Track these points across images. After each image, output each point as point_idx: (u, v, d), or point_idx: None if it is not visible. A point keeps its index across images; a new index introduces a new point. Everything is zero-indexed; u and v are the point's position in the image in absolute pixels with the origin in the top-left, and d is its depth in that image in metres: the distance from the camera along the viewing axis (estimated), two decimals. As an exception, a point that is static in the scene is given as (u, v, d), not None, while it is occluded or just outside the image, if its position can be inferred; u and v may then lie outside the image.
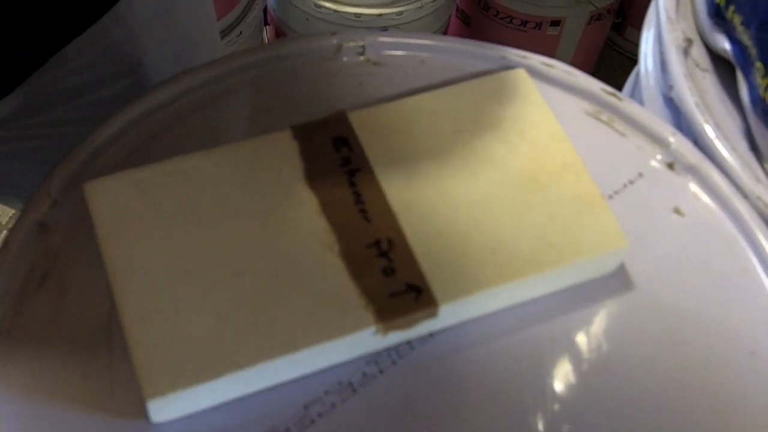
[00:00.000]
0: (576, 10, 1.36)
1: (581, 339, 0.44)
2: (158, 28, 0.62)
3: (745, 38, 0.51)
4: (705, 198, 0.49)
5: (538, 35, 1.39)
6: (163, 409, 0.39)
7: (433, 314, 0.42)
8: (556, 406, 0.42)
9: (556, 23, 1.37)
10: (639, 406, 0.43)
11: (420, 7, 1.27)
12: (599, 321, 0.45)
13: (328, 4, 1.27)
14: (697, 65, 0.54)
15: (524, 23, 1.37)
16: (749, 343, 0.45)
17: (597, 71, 1.54)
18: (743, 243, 0.48)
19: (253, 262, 0.42)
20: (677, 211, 0.49)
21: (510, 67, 0.52)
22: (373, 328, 0.41)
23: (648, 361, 0.44)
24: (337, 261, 0.42)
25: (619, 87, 0.62)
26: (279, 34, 1.39)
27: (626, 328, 0.45)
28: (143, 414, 0.40)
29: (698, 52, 0.55)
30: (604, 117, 0.51)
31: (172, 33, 0.64)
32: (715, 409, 0.43)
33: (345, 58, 0.52)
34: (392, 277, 0.42)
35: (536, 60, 0.53)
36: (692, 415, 0.43)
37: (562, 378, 0.43)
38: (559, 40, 1.40)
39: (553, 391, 0.43)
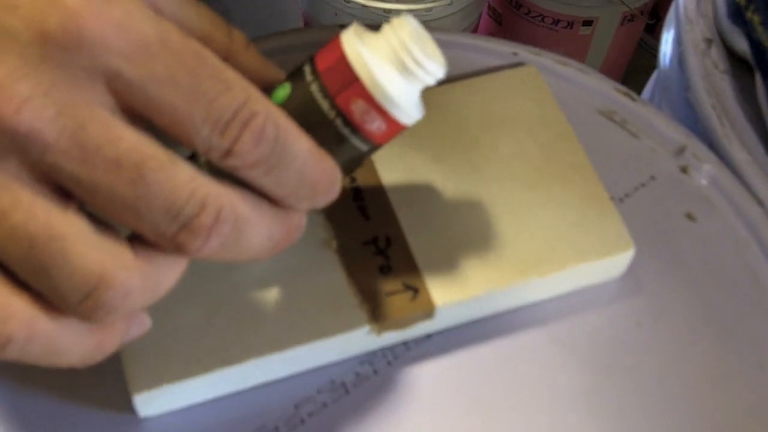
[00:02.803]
0: (608, 10, 1.34)
1: (585, 344, 0.43)
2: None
3: (764, 38, 0.49)
4: (718, 204, 0.48)
5: (569, 35, 1.37)
6: (149, 403, 0.39)
7: (429, 315, 0.41)
8: (557, 412, 0.41)
9: (588, 23, 1.36)
10: (643, 415, 0.42)
11: (450, 4, 1.26)
12: (604, 326, 0.44)
13: (357, 0, 1.26)
14: (716, 66, 0.53)
15: (556, 22, 1.36)
16: (759, 356, 0.43)
17: (628, 73, 1.52)
18: (756, 250, 0.46)
19: None
20: (689, 216, 0.47)
21: (522, 63, 0.51)
22: (366, 328, 0.40)
23: (654, 369, 0.43)
24: (333, 257, 0.42)
25: (650, 90, 0.60)
26: (308, 28, 1.38)
27: (632, 335, 0.44)
28: (131, 407, 0.39)
29: (717, 53, 0.54)
30: (617, 117, 0.50)
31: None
32: (720, 422, 0.42)
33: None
34: (389, 276, 0.41)
35: (549, 57, 0.51)
36: (698, 426, 0.41)
37: (563, 383, 0.42)
38: (591, 40, 1.38)
39: (554, 397, 0.42)
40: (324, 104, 0.32)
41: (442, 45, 0.51)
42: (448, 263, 0.42)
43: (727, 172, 0.48)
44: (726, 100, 0.52)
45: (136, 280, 0.29)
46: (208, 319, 0.40)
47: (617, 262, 0.44)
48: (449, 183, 0.44)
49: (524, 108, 0.47)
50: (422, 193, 0.44)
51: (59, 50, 0.27)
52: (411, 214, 0.43)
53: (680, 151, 0.49)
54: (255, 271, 0.41)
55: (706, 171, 0.48)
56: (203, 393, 0.40)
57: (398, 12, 1.26)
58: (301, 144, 0.30)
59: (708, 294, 0.45)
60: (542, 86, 0.48)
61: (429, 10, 1.25)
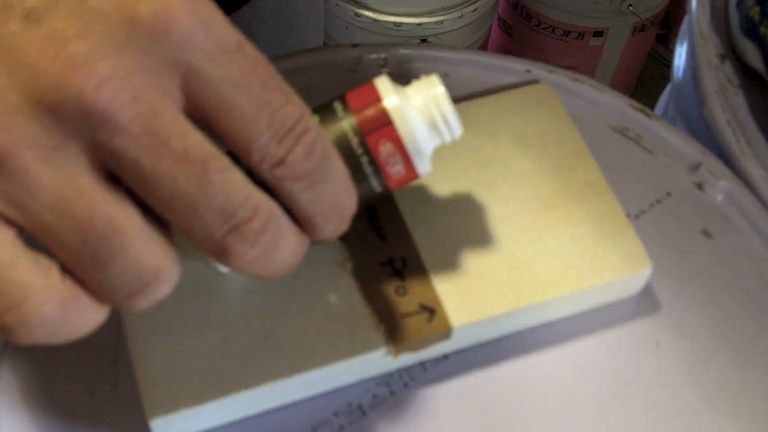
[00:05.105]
0: (619, 20, 1.34)
1: (603, 363, 0.43)
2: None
3: (779, 54, 0.49)
4: (735, 220, 0.47)
5: (580, 46, 1.37)
6: (166, 428, 0.39)
7: (446, 336, 0.41)
8: (576, 431, 0.41)
9: (599, 34, 1.36)
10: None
11: (460, 17, 1.26)
12: (622, 344, 0.44)
13: (368, 13, 1.26)
14: (730, 81, 0.53)
15: (566, 33, 1.36)
16: (778, 372, 0.43)
17: (640, 82, 1.52)
18: (774, 267, 0.46)
19: None
20: (706, 232, 0.47)
21: (536, 81, 0.51)
22: (383, 350, 0.40)
23: (673, 387, 0.42)
24: (349, 279, 0.41)
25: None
26: (319, 42, 1.38)
27: (650, 352, 0.43)
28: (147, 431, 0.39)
29: (731, 68, 0.54)
30: (631, 134, 0.50)
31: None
32: (740, 440, 0.41)
33: (366, 71, 0.51)
34: (405, 297, 0.41)
35: (563, 74, 0.51)
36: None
37: (582, 402, 0.42)
38: (602, 50, 1.38)
39: (573, 416, 0.41)
40: (354, 140, 0.34)
41: (457, 63, 0.52)
42: (464, 283, 0.42)
43: (743, 188, 0.48)
44: (741, 116, 0.52)
45: (179, 273, 0.30)
46: (224, 343, 0.39)
47: (634, 280, 0.43)
48: (464, 202, 0.44)
49: (539, 125, 0.47)
50: (437, 213, 0.43)
51: (145, 37, 0.27)
52: (426, 235, 0.43)
53: (696, 167, 0.49)
54: (270, 294, 0.41)
55: (721, 187, 0.48)
56: (219, 417, 0.40)
57: (409, 25, 1.26)
58: (339, 167, 0.31)
59: (726, 310, 0.45)
60: (556, 104, 0.48)
61: (440, 23, 1.26)
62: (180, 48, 0.28)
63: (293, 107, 0.29)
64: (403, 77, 0.51)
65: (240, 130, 0.29)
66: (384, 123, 0.35)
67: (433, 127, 0.36)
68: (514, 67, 0.51)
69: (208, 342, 0.39)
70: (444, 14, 1.26)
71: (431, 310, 0.41)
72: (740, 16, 0.53)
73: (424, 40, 1.28)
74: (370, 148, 0.35)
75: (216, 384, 0.39)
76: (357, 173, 0.35)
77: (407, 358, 0.41)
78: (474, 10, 1.27)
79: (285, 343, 0.40)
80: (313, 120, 0.30)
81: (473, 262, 0.42)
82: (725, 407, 0.42)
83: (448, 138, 0.37)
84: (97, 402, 0.41)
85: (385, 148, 0.35)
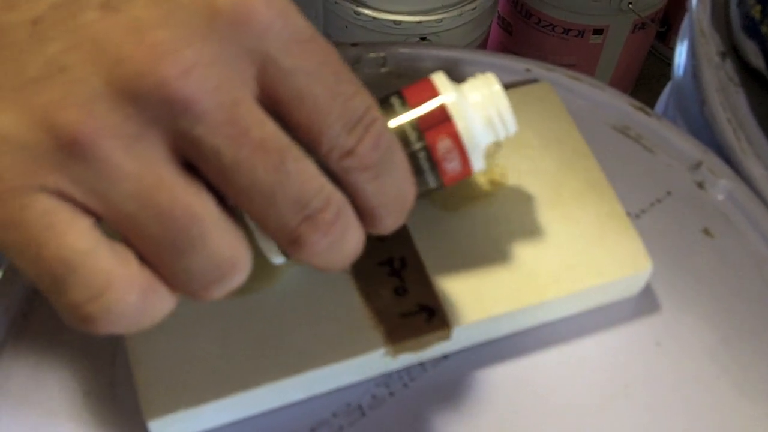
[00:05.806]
0: (619, 18, 1.33)
1: (603, 363, 0.43)
2: None
3: (780, 53, 0.49)
4: (736, 219, 0.47)
5: (580, 44, 1.37)
6: (164, 428, 0.38)
7: (445, 337, 0.41)
8: (576, 433, 0.41)
9: (599, 32, 1.35)
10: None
11: (460, 15, 1.26)
12: (623, 344, 0.43)
13: (367, 12, 1.26)
14: (731, 80, 0.52)
15: (566, 31, 1.35)
16: (779, 372, 0.43)
17: (640, 81, 1.52)
18: (775, 266, 0.46)
19: (260, 279, 0.41)
20: (707, 231, 0.47)
21: (535, 79, 0.50)
22: (382, 350, 0.40)
23: (673, 387, 0.42)
24: (348, 279, 0.41)
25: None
26: (318, 40, 1.38)
27: (651, 352, 0.43)
28: (146, 433, 0.39)
29: (732, 66, 0.53)
30: (632, 133, 0.50)
31: None
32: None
33: (365, 70, 0.51)
34: (404, 297, 0.41)
35: (563, 73, 0.51)
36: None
37: (583, 403, 0.42)
38: (602, 48, 1.38)
39: (573, 417, 0.41)
40: (412, 135, 0.35)
41: (456, 62, 0.51)
42: (463, 283, 0.41)
43: (744, 187, 0.48)
44: (741, 114, 0.51)
45: (252, 263, 0.30)
46: (223, 343, 0.39)
47: (635, 280, 0.43)
48: (464, 202, 0.44)
49: (539, 125, 0.47)
50: (436, 213, 0.43)
51: (227, 26, 0.27)
52: (426, 235, 0.43)
53: (696, 166, 0.48)
54: (269, 295, 0.41)
55: (722, 186, 0.48)
56: (218, 418, 0.39)
57: (409, 23, 1.26)
58: (402, 159, 0.31)
59: (727, 310, 0.45)
60: (557, 103, 0.47)
61: (439, 21, 1.25)
62: (259, 38, 0.28)
63: (362, 98, 0.29)
64: (402, 77, 0.51)
65: (313, 120, 0.29)
66: (443, 119, 0.35)
67: (489, 123, 0.37)
68: (514, 65, 0.51)
69: (207, 342, 0.39)
70: (443, 12, 1.25)
71: (431, 310, 0.41)
72: (741, 14, 0.52)
73: (423, 39, 1.27)
74: (429, 143, 0.35)
75: (214, 385, 0.38)
76: (415, 168, 0.35)
77: (407, 359, 0.41)
78: (473, 9, 1.26)
79: (284, 343, 0.39)
80: (379, 111, 0.30)
81: (473, 261, 0.42)
82: (726, 406, 0.42)
83: (503, 135, 0.37)
84: (95, 403, 0.40)
85: (443, 144, 0.35)
